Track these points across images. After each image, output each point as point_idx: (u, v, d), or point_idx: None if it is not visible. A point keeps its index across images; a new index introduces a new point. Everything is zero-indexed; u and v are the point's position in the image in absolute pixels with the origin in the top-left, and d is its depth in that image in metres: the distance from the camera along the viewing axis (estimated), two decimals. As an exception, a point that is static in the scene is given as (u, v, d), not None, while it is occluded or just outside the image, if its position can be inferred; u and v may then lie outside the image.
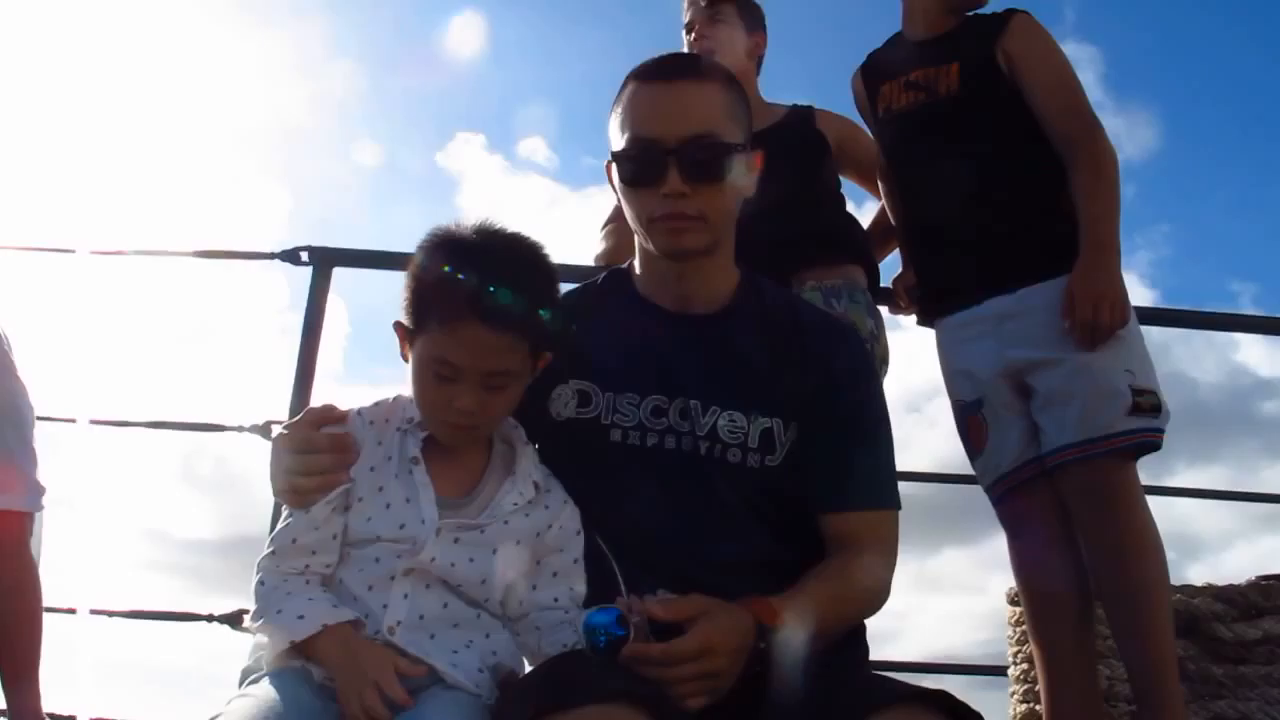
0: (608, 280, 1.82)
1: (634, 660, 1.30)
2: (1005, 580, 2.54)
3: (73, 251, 3.15)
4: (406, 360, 1.56)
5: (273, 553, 1.49)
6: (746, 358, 1.68)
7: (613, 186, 1.71)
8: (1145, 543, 2.17)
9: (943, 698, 1.26)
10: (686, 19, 2.90)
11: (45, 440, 2.29)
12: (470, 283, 1.45)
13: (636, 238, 1.72)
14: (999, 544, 2.44)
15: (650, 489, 1.62)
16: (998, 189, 2.38)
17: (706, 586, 1.47)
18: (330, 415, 1.56)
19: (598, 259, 2.86)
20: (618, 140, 1.66)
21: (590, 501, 1.61)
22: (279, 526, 1.51)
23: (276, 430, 1.58)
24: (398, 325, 1.55)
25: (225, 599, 2.91)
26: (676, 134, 1.59)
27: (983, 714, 1.29)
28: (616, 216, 2.90)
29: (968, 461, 2.48)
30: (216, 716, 1.34)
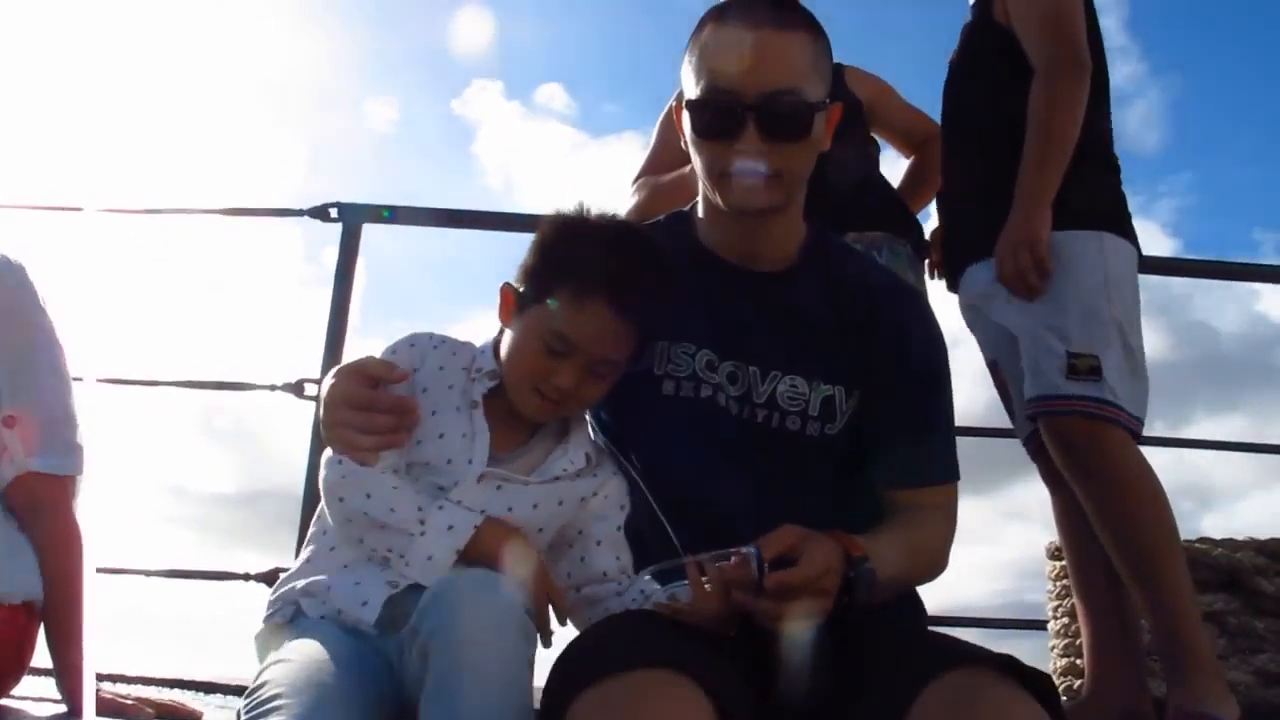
0: (669, 224, 1.75)
1: (778, 589, 1.29)
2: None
3: (80, 210, 3.12)
4: (504, 322, 1.55)
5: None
6: (811, 321, 1.62)
7: (679, 129, 1.62)
8: (1132, 500, 2.11)
9: (1009, 661, 1.24)
10: None
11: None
12: (613, 266, 1.45)
13: (702, 187, 1.64)
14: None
15: (705, 454, 1.58)
16: (995, 149, 2.32)
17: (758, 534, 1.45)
18: (392, 374, 1.51)
19: (629, 213, 2.82)
20: (691, 85, 1.57)
21: (641, 460, 1.59)
22: (328, 459, 1.47)
23: (328, 381, 1.52)
24: (507, 288, 1.54)
25: (247, 553, 2.91)
26: (758, 87, 1.49)
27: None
28: (649, 168, 2.86)
29: (984, 414, 2.47)
30: (261, 685, 1.29)
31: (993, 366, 2.43)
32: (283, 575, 1.56)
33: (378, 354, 1.55)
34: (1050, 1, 2.28)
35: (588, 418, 1.62)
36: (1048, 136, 2.19)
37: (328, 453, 1.47)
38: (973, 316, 2.42)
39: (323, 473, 1.46)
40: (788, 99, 1.51)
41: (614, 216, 1.55)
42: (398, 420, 1.46)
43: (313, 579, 1.46)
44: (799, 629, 1.30)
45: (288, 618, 1.47)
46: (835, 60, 2.78)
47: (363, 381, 1.48)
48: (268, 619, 1.50)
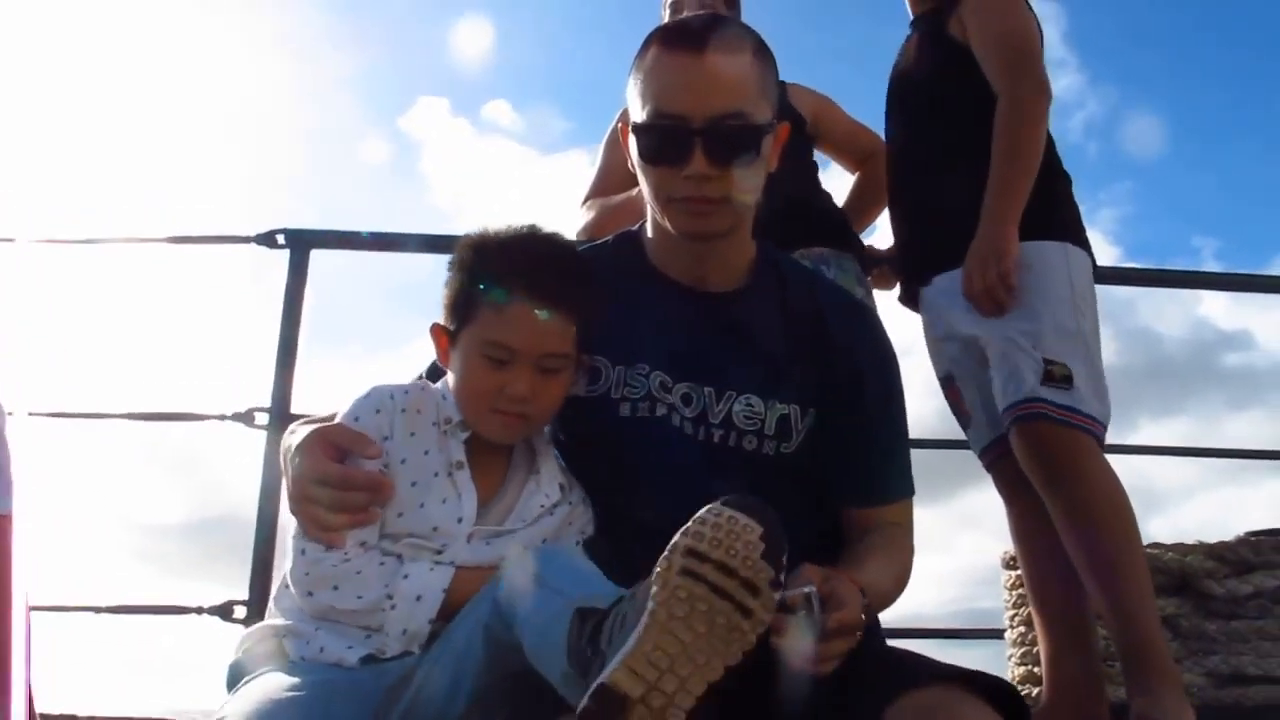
0: (618, 245, 1.73)
1: (839, 629, 1.20)
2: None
3: (12, 240, 3.05)
4: (444, 364, 1.55)
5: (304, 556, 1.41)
6: (764, 341, 1.62)
7: (625, 151, 1.61)
8: (1099, 507, 2.14)
9: (977, 677, 1.24)
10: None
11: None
12: (522, 265, 1.47)
13: (650, 211, 1.63)
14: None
15: (663, 476, 1.56)
16: (946, 164, 2.37)
17: None
18: (366, 449, 1.45)
19: (579, 234, 2.81)
20: (637, 109, 1.55)
21: (602, 485, 1.58)
22: (295, 544, 1.43)
23: (295, 440, 1.47)
24: (435, 329, 1.54)
25: (195, 584, 2.87)
26: (704, 112, 1.47)
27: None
28: (597, 189, 2.86)
29: (933, 426, 2.48)
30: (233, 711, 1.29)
31: (946, 380, 2.45)
32: (269, 613, 1.52)
33: (340, 412, 1.50)
34: (1010, 22, 2.33)
35: (552, 448, 1.60)
36: (1015, 157, 2.23)
37: (294, 528, 1.44)
38: (933, 329, 2.44)
39: (289, 561, 1.44)
40: (735, 122, 1.49)
41: (516, 225, 1.54)
42: (370, 498, 1.42)
43: (298, 624, 1.43)
44: (817, 668, 1.21)
45: (267, 652, 1.43)
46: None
47: (332, 454, 1.44)
48: (245, 652, 1.47)
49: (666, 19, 2.78)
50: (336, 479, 1.41)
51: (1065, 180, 2.38)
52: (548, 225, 1.56)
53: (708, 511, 1.07)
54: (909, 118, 2.52)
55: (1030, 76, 2.28)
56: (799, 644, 1.15)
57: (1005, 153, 2.24)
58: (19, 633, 1.86)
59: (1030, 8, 2.41)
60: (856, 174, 2.99)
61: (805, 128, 2.79)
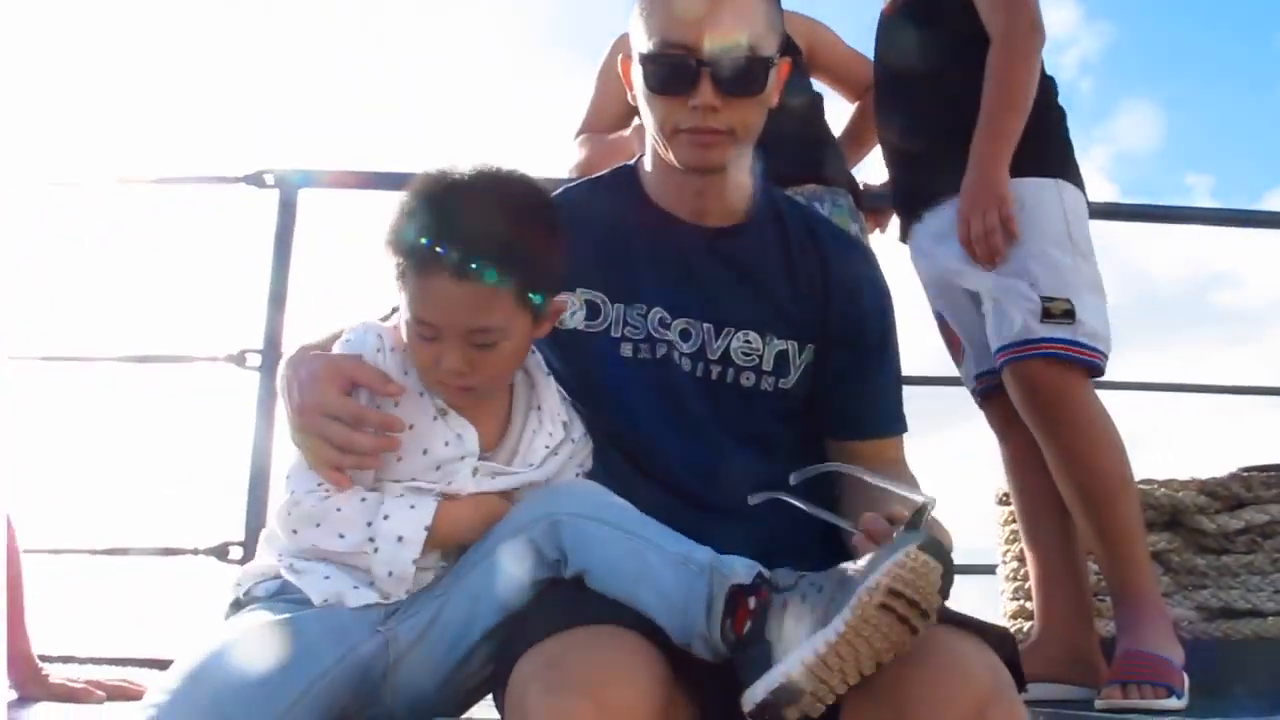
0: (614, 179, 1.72)
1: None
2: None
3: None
4: None
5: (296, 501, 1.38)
6: (763, 276, 1.62)
7: (627, 82, 1.60)
8: (1092, 444, 2.14)
9: (964, 619, 1.25)
10: None
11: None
12: (432, 232, 1.32)
13: (650, 142, 1.62)
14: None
15: (663, 409, 1.57)
16: (933, 99, 2.34)
17: (722, 506, 1.47)
18: (387, 387, 1.39)
19: (571, 170, 2.78)
20: (642, 38, 1.54)
21: (602, 418, 1.57)
22: (297, 474, 1.38)
23: (301, 367, 1.40)
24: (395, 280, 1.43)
25: (190, 525, 2.88)
26: (713, 43, 1.47)
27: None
28: (591, 122, 2.82)
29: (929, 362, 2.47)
30: (220, 641, 1.28)
31: (939, 317, 2.45)
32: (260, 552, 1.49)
33: (340, 342, 1.44)
34: None
35: (552, 379, 1.55)
36: (1008, 101, 2.20)
37: (293, 462, 1.39)
38: (926, 264, 2.43)
39: (279, 500, 1.39)
40: (743, 55, 1.49)
41: (454, 172, 1.38)
42: (382, 443, 1.36)
43: (296, 561, 1.39)
44: None
45: (269, 592, 1.41)
46: None
47: (345, 386, 1.37)
48: (246, 593, 1.44)
49: None
50: (351, 415, 1.35)
51: (1059, 114, 2.35)
52: (505, 163, 1.41)
53: (906, 555, 1.14)
54: (897, 53, 2.48)
55: (1022, 14, 2.24)
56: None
57: (996, 92, 2.21)
58: (11, 575, 1.87)
59: None
60: (855, 103, 2.92)
61: (801, 58, 2.73)
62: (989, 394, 2.37)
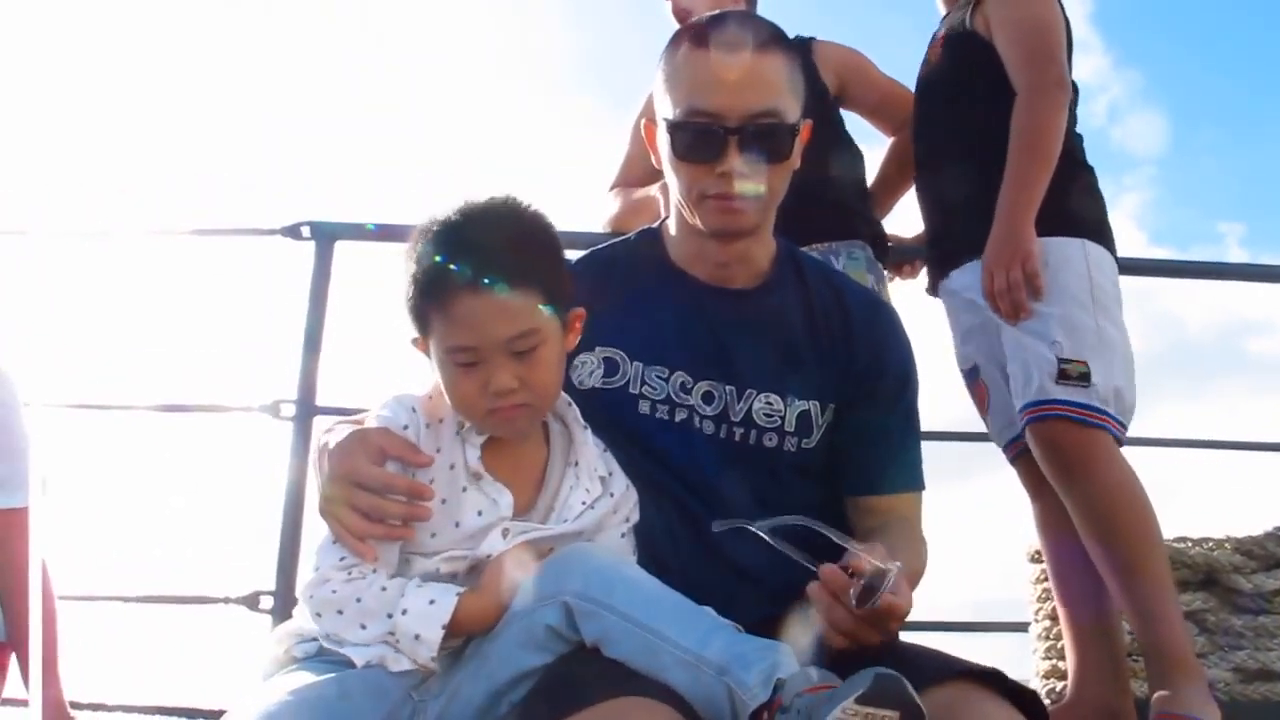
0: (638, 242, 1.74)
1: (890, 612, 1.24)
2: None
3: (39, 233, 3.07)
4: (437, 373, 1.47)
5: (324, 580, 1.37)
6: (785, 338, 1.63)
7: (650, 148, 1.64)
8: (1114, 505, 2.13)
9: (996, 675, 1.24)
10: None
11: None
12: (445, 256, 1.36)
13: (676, 206, 1.64)
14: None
15: (683, 474, 1.58)
16: (964, 156, 2.36)
17: (743, 560, 1.48)
18: (417, 456, 1.39)
19: (604, 224, 2.81)
20: (667, 105, 1.57)
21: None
22: (324, 549, 1.38)
23: (333, 438, 1.41)
24: (415, 343, 1.47)
25: (222, 574, 2.89)
26: (739, 111, 1.50)
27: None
28: (622, 179, 2.85)
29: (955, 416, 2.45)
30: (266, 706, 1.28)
31: (969, 374, 2.44)
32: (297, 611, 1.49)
33: (373, 415, 1.45)
34: (1031, 17, 2.30)
35: (589, 432, 1.54)
36: (1032, 156, 2.21)
37: (322, 537, 1.38)
38: (953, 324, 2.43)
39: (310, 577, 1.39)
40: (769, 121, 1.52)
41: (449, 210, 1.42)
42: (411, 512, 1.35)
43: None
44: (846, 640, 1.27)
45: (307, 653, 1.42)
46: (805, 34, 2.74)
47: (376, 457, 1.37)
48: (285, 651, 1.45)
49: (674, 14, 2.72)
50: (379, 483, 1.34)
51: (1087, 172, 2.36)
52: (496, 193, 1.45)
53: (842, 711, 1.10)
54: (930, 110, 2.51)
55: (1049, 70, 2.25)
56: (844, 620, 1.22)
57: (1022, 147, 2.22)
58: (37, 622, 1.89)
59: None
60: (892, 139, 2.86)
61: (827, 97, 2.69)
62: (1019, 453, 2.35)
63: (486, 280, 1.34)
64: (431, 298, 1.37)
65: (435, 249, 1.38)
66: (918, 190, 2.57)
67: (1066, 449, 2.15)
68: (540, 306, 1.38)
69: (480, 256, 1.36)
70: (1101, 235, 2.29)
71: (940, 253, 2.48)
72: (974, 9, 2.39)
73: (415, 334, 1.44)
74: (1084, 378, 2.15)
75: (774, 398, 1.60)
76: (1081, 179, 2.33)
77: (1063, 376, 2.15)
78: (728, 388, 1.60)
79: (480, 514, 1.42)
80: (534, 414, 1.45)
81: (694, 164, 1.54)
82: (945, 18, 2.54)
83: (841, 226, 2.61)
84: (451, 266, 1.35)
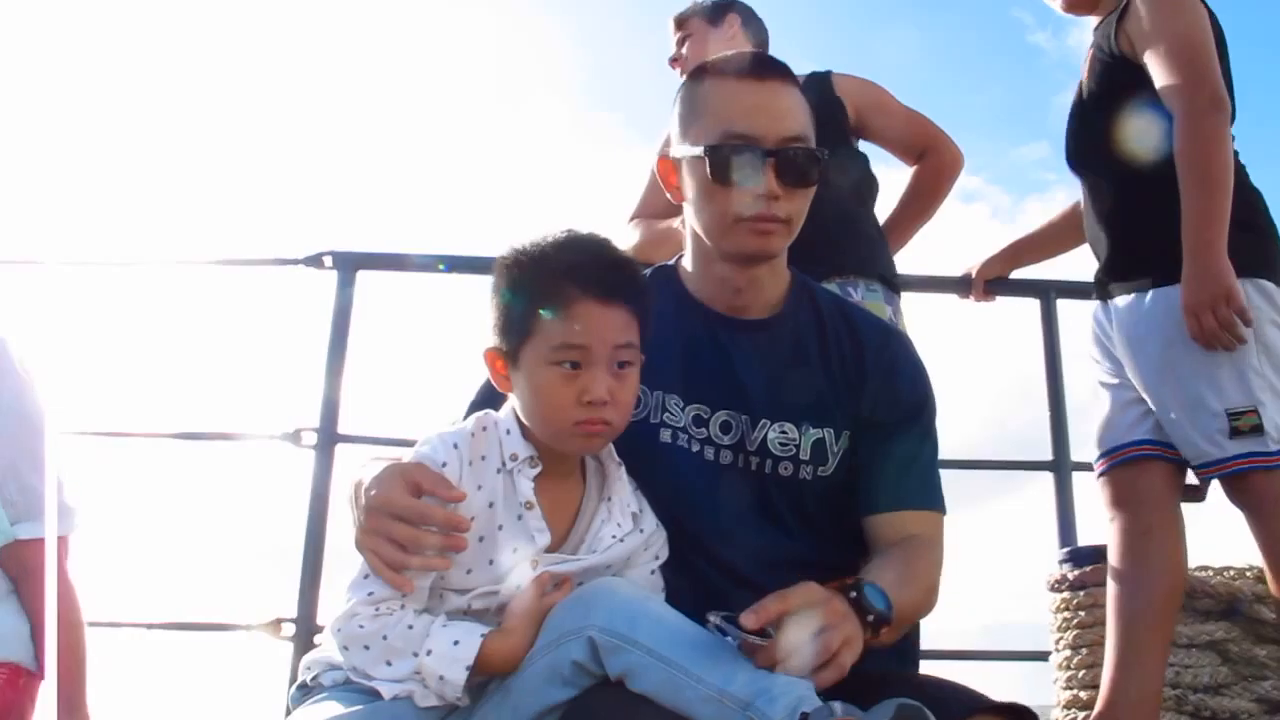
0: (654, 277, 1.74)
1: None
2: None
3: (61, 264, 3.10)
4: (504, 390, 1.50)
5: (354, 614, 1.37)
6: (799, 366, 1.64)
7: (666, 186, 1.67)
8: None
9: (1023, 711, 1.24)
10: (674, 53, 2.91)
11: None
12: (576, 261, 1.44)
13: (697, 236, 1.66)
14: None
15: (704, 506, 1.59)
16: (1125, 188, 2.31)
17: (763, 585, 1.46)
18: (451, 493, 1.38)
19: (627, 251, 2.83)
20: (696, 135, 1.59)
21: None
22: (355, 584, 1.38)
23: (369, 473, 1.40)
24: (489, 354, 1.49)
25: (244, 601, 2.91)
26: (775, 134, 1.54)
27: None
28: (642, 210, 2.88)
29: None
30: None
31: (1116, 388, 2.38)
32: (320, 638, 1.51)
33: (414, 451, 1.45)
34: (1175, 34, 2.20)
35: (623, 469, 1.55)
36: (1205, 188, 2.12)
37: (356, 570, 1.38)
38: (1101, 347, 2.40)
39: (340, 610, 1.38)
40: (801, 146, 1.56)
41: (552, 232, 1.49)
42: (446, 541, 1.35)
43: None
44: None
45: (334, 682, 1.43)
46: (821, 69, 2.78)
47: (411, 490, 1.36)
48: (313, 679, 1.46)
49: (679, 57, 2.87)
50: (416, 514, 1.34)
51: (1254, 198, 2.27)
52: (583, 228, 1.52)
53: None
54: (1082, 133, 2.43)
55: (1201, 91, 2.14)
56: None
57: (1197, 182, 2.12)
58: (52, 650, 1.91)
59: (1201, 2, 2.27)
60: (913, 168, 2.86)
61: (846, 125, 2.72)
62: (1108, 470, 2.34)
63: (609, 285, 1.42)
64: (547, 300, 1.42)
65: (555, 255, 1.45)
66: (1086, 206, 2.48)
67: (1252, 496, 2.15)
68: (640, 326, 1.46)
69: (605, 264, 1.45)
70: (1270, 267, 2.20)
71: (1106, 270, 2.40)
72: (1118, 26, 2.30)
73: (501, 344, 1.47)
74: (1256, 429, 2.12)
75: (788, 426, 1.61)
76: (1250, 206, 2.23)
77: (1235, 433, 2.12)
78: (743, 417, 1.61)
79: (515, 551, 1.43)
80: (611, 434, 1.47)
81: (730, 187, 1.55)
82: (1095, 29, 2.42)
83: (860, 263, 2.62)
84: (576, 271, 1.42)
